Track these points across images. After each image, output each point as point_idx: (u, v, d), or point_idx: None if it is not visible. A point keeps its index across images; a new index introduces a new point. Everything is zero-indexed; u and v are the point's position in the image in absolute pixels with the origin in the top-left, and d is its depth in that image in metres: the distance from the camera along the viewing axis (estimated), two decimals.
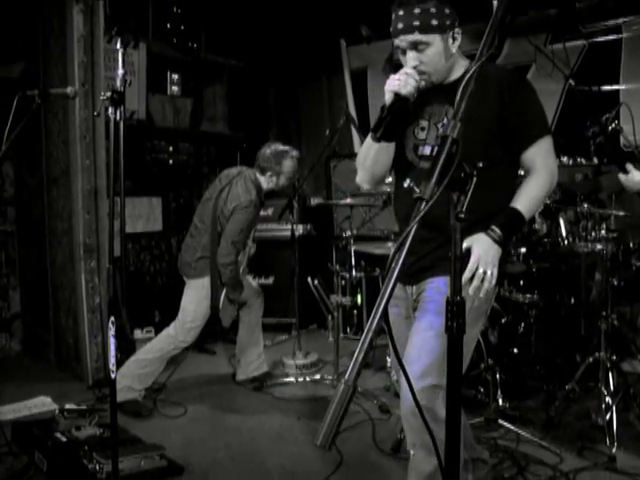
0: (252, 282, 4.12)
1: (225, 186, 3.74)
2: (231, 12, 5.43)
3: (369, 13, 4.83)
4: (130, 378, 3.49)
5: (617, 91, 4.47)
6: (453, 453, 1.28)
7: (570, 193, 3.46)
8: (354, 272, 4.62)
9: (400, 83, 1.87)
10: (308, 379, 4.14)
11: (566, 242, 3.48)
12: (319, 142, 5.66)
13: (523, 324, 3.70)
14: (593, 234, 3.31)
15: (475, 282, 1.78)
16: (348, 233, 4.26)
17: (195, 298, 3.65)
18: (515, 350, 3.63)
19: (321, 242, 5.56)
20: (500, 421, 3.11)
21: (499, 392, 3.29)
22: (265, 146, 3.86)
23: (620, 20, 4.43)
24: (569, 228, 3.51)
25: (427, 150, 2.05)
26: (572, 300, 3.86)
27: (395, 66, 5.41)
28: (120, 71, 2.12)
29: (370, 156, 2.09)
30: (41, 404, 3.45)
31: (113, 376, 2.13)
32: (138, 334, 4.40)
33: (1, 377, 4.07)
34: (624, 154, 3.27)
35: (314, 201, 5.79)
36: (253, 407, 3.69)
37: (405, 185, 2.10)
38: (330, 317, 4.91)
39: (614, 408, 2.98)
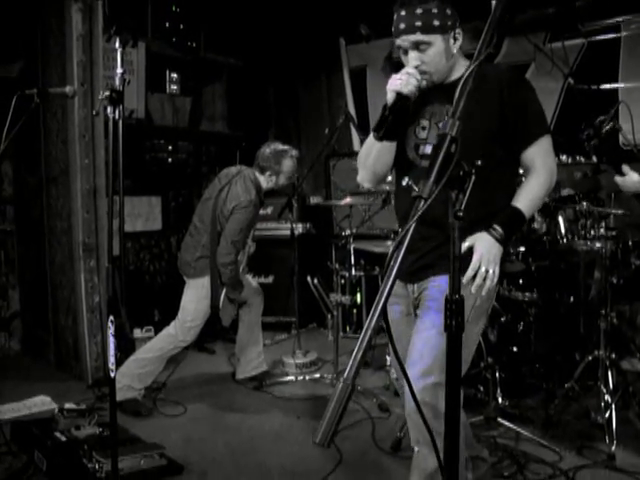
0: (252, 281, 4.12)
1: (225, 185, 3.74)
2: (230, 11, 5.42)
3: (368, 12, 4.84)
4: (130, 377, 3.49)
5: (616, 89, 4.47)
6: (453, 451, 1.28)
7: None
8: (353, 271, 4.64)
9: (402, 82, 1.89)
10: (308, 378, 4.15)
11: (565, 240, 3.48)
12: (318, 141, 5.65)
13: (522, 323, 3.70)
14: (592, 232, 3.30)
15: (477, 280, 1.81)
16: (347, 232, 4.26)
17: (195, 297, 3.65)
18: (514, 349, 3.63)
19: (320, 241, 5.56)
20: (500, 419, 3.11)
21: (498, 390, 3.29)
22: (264, 145, 3.86)
23: (619, 19, 4.43)
24: (568, 226, 3.51)
25: (428, 149, 2.05)
26: (571, 298, 3.86)
27: (394, 65, 5.42)
28: (119, 70, 2.12)
29: (372, 155, 2.10)
30: (40, 403, 3.44)
31: (113, 375, 2.13)
32: (138, 333, 4.41)
33: (0, 376, 4.07)
34: (623, 153, 3.27)
35: (313, 200, 5.80)
36: (253, 406, 3.69)
37: (404, 183, 2.12)
38: (330, 316, 4.91)
39: (613, 406, 2.98)
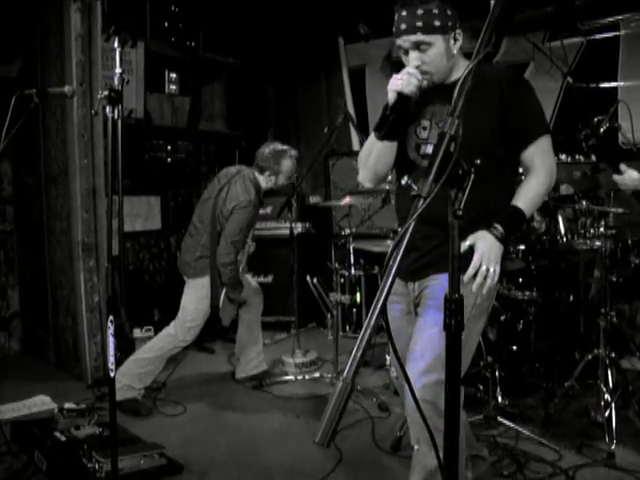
0: (251, 281, 4.12)
1: (224, 185, 3.74)
2: (229, 10, 5.42)
3: (367, 11, 4.83)
4: (130, 377, 3.49)
5: (615, 88, 4.47)
6: (453, 450, 1.28)
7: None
8: (353, 270, 4.63)
9: (403, 82, 1.89)
10: (307, 377, 4.15)
11: (565, 239, 3.48)
12: (317, 140, 5.65)
13: (522, 322, 3.70)
14: (592, 231, 3.31)
15: (478, 279, 1.81)
16: (347, 231, 4.26)
17: (195, 297, 3.65)
18: (514, 348, 3.63)
19: (320, 240, 5.56)
20: (499, 418, 3.11)
21: (498, 390, 3.29)
22: (264, 145, 3.85)
23: (618, 17, 4.43)
24: (568, 225, 3.51)
25: (429, 149, 2.06)
26: (571, 297, 3.86)
27: (394, 64, 5.42)
28: (118, 70, 2.12)
29: (373, 155, 2.11)
30: (40, 403, 3.45)
31: (112, 375, 2.13)
32: (137, 333, 4.40)
33: (0, 376, 4.06)
34: (622, 152, 3.27)
35: (313, 199, 5.79)
36: (252, 405, 3.69)
37: (403, 182, 2.12)
38: (329, 315, 4.91)
39: (613, 405, 2.98)
